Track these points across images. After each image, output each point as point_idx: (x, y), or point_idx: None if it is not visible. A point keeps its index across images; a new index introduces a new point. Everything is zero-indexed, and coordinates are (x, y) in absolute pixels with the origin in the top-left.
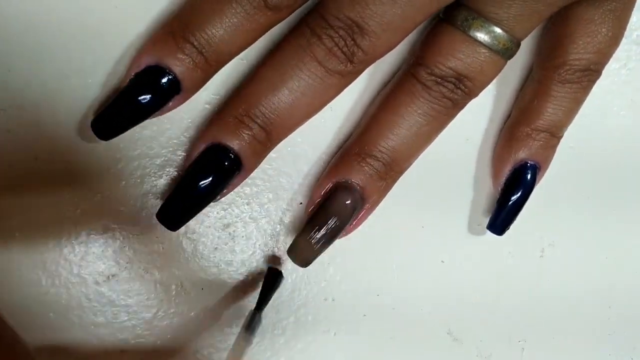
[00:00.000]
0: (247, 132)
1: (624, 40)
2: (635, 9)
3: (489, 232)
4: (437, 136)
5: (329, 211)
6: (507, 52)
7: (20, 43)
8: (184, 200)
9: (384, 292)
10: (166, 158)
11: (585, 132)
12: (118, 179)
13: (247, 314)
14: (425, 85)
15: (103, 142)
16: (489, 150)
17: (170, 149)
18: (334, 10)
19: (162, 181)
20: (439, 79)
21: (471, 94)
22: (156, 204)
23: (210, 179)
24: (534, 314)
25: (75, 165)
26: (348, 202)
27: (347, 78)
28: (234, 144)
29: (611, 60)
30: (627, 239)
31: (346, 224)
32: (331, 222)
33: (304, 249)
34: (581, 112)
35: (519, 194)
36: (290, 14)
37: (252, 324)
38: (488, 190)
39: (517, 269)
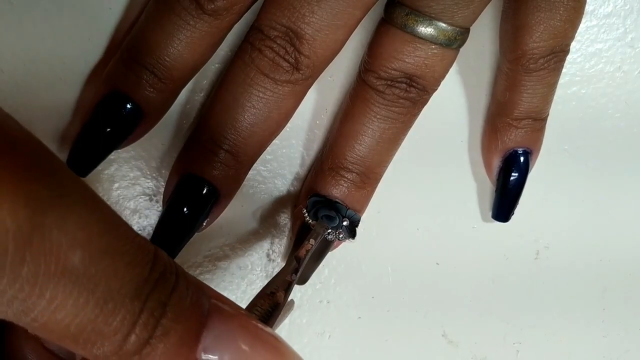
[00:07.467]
0: (214, 158)
1: (618, 43)
2: (629, 12)
3: (484, 234)
4: (404, 136)
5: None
6: (452, 42)
7: (12, 45)
8: (169, 235)
9: (378, 295)
10: (160, 160)
11: (580, 135)
12: (111, 181)
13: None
14: (378, 90)
15: None
16: None
17: (165, 151)
18: (268, 20)
19: (155, 183)
20: (389, 82)
21: (427, 89)
22: (149, 205)
23: (190, 209)
24: (528, 316)
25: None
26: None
27: (301, 85)
28: (205, 172)
29: (605, 62)
30: (621, 242)
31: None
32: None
33: (303, 272)
34: (576, 114)
35: (514, 180)
36: (236, 18)
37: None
38: (483, 193)
39: (512, 271)
